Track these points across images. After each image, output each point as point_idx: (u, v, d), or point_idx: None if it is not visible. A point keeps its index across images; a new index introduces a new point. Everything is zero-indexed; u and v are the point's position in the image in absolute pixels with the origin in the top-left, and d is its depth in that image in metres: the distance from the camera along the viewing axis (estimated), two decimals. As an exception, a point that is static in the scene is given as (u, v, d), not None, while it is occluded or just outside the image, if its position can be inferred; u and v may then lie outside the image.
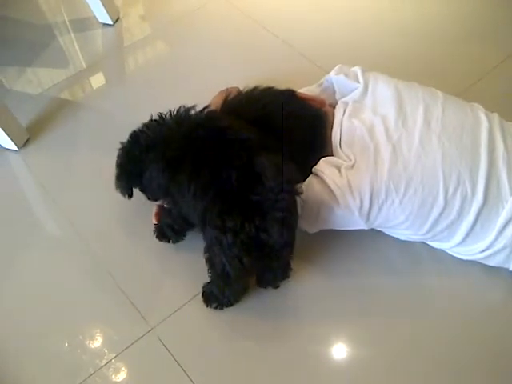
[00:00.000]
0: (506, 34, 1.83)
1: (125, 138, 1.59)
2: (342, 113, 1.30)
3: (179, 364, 1.21)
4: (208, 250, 1.16)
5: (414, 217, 1.19)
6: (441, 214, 1.17)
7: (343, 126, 1.28)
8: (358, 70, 1.37)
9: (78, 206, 1.51)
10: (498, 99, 1.55)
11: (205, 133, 1.13)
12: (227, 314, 1.28)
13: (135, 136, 1.24)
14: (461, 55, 1.78)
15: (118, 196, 1.46)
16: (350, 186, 1.18)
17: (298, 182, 1.10)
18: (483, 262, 1.26)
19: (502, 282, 1.28)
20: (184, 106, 1.21)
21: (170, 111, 1.21)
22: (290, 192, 1.04)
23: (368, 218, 1.21)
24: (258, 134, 1.13)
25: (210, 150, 1.10)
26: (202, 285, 1.30)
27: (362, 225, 1.23)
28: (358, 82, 1.35)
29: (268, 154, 1.06)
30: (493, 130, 1.21)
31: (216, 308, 1.27)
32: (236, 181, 1.05)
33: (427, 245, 1.32)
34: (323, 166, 1.23)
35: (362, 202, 1.18)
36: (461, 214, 1.17)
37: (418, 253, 1.33)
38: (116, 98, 1.77)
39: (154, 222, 1.37)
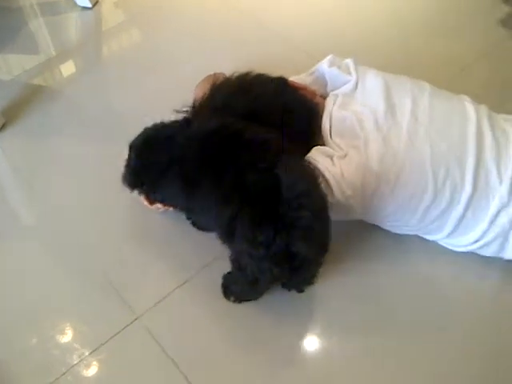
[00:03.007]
0: (485, 27, 1.86)
1: (99, 126, 1.59)
2: (331, 104, 1.30)
3: (167, 354, 1.18)
4: (237, 257, 1.13)
5: (406, 207, 1.20)
6: (431, 203, 1.18)
7: (333, 117, 1.28)
8: (350, 62, 1.37)
9: (54, 192, 1.46)
10: (479, 91, 1.56)
11: (221, 139, 1.09)
12: (219, 302, 1.25)
13: (148, 141, 1.20)
14: (445, 46, 1.80)
15: (95, 180, 1.46)
16: (342, 175, 1.18)
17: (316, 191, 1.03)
18: (478, 252, 1.27)
19: (497, 272, 1.29)
20: (186, 119, 1.19)
21: (174, 122, 1.19)
22: (309, 208, 0.96)
23: (360, 207, 1.21)
24: (276, 134, 1.10)
25: (229, 155, 1.06)
26: (191, 270, 1.29)
27: (353, 214, 1.24)
28: (350, 74, 1.35)
29: (288, 160, 1.02)
30: (480, 120, 1.23)
31: (234, 302, 1.24)
32: (262, 187, 1.00)
33: (422, 238, 1.32)
34: (316, 154, 1.22)
35: (354, 190, 1.18)
36: (451, 204, 1.18)
37: (411, 245, 1.33)
38: (92, 84, 1.73)
39: (149, 206, 1.34)
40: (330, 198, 1.19)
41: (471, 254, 1.29)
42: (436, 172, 1.17)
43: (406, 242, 1.34)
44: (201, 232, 1.36)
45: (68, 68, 1.83)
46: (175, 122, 1.19)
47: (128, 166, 1.23)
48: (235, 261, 1.15)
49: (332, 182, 1.18)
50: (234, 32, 1.86)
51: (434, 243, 1.33)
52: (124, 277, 1.30)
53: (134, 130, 1.24)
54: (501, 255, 1.26)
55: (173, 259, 1.33)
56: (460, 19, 1.86)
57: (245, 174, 1.02)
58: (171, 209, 1.36)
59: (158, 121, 1.23)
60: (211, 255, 1.32)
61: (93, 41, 1.88)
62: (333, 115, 1.28)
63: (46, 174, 1.51)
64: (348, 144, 1.23)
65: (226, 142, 1.08)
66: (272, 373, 1.17)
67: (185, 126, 1.15)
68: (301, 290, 1.25)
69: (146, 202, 1.34)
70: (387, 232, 1.34)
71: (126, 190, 1.30)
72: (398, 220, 1.25)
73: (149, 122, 1.24)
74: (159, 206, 1.33)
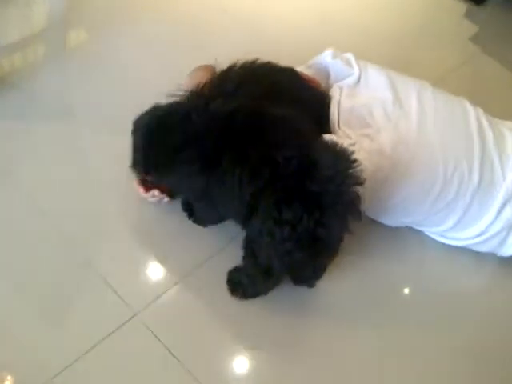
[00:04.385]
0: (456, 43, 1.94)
1: (54, 121, 1.45)
2: (338, 95, 1.30)
3: (168, 349, 1.10)
4: (251, 241, 1.06)
5: (415, 195, 1.20)
6: (440, 192, 1.20)
7: (341, 107, 1.27)
8: (351, 56, 1.38)
9: (40, 183, 1.34)
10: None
11: (245, 116, 1.04)
12: (219, 297, 1.18)
13: (160, 120, 1.11)
14: (416, 61, 1.83)
15: (81, 177, 1.36)
16: None
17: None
18: (475, 248, 1.29)
19: (488, 268, 1.33)
20: (204, 99, 1.11)
21: (183, 101, 1.12)
22: (353, 183, 0.95)
23: (369, 194, 1.15)
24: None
25: (255, 131, 1.01)
26: (189, 266, 1.22)
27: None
28: (351, 67, 1.36)
29: (324, 139, 1.00)
30: (480, 118, 1.28)
31: (241, 298, 1.18)
32: (297, 165, 0.95)
33: (418, 234, 1.34)
34: (327, 141, 1.20)
35: (366, 176, 1.15)
36: (458, 194, 1.20)
37: (407, 242, 1.34)
38: (53, 74, 1.59)
39: (143, 194, 1.26)
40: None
41: (466, 252, 1.31)
42: (446, 163, 1.19)
43: (401, 237, 1.34)
44: (197, 227, 1.29)
45: (31, 55, 1.70)
46: (190, 102, 1.12)
47: (137, 147, 1.13)
48: (248, 247, 1.09)
49: None
50: (211, 30, 1.80)
51: (430, 240, 1.34)
52: (119, 273, 1.20)
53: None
54: (497, 251, 1.28)
55: (170, 255, 1.25)
56: (432, 36, 1.93)
57: (275, 149, 0.97)
58: (166, 199, 1.29)
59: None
60: (210, 251, 1.26)
61: (61, 29, 1.76)
62: (341, 105, 1.28)
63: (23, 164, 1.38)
64: (357, 133, 1.23)
65: (251, 119, 1.04)
66: (278, 369, 1.13)
67: (202, 105, 1.09)
68: (311, 285, 1.20)
69: (140, 190, 1.26)
70: (383, 227, 1.33)
71: (119, 183, 1.24)
72: (406, 208, 1.24)
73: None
74: (155, 193, 1.25)
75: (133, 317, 1.13)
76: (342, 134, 1.23)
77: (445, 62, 1.84)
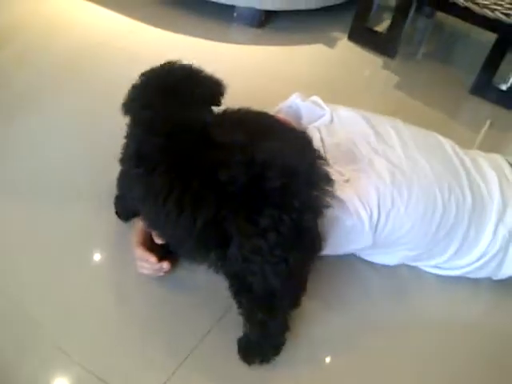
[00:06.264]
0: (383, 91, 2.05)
1: None
2: (318, 134, 1.26)
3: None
4: (237, 276, 0.94)
5: (419, 224, 1.17)
6: (441, 219, 1.17)
7: (326, 145, 1.23)
8: (317, 99, 1.37)
9: None
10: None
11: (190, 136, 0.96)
12: (229, 368, 1.04)
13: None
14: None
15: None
16: (358, 195, 1.12)
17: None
18: (473, 275, 1.28)
19: (484, 292, 1.32)
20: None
21: None
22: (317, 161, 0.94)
23: (376, 229, 1.14)
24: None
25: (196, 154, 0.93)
26: (190, 343, 1.07)
27: (368, 238, 1.15)
28: (322, 108, 1.34)
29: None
30: (453, 147, 1.32)
31: (261, 363, 1.05)
32: (245, 174, 0.87)
33: (412, 270, 1.30)
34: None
35: (371, 210, 1.12)
36: (457, 218, 1.19)
37: (403, 279, 1.30)
38: None
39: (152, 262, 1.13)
40: (346, 221, 1.12)
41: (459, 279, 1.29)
42: (441, 188, 1.19)
43: (395, 272, 1.30)
44: (188, 303, 1.15)
45: None
46: None
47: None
48: (236, 281, 0.96)
49: (348, 203, 1.11)
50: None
51: (424, 272, 1.31)
52: (114, 367, 1.02)
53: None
54: (494, 274, 1.28)
55: (167, 335, 1.09)
56: (361, 85, 2.03)
57: (214, 172, 0.89)
58: (166, 269, 1.14)
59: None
60: (208, 324, 1.12)
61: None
62: (325, 143, 1.23)
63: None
64: (348, 168, 1.19)
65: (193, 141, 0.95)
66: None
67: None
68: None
69: (152, 259, 1.11)
70: (374, 268, 1.29)
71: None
72: (411, 241, 1.20)
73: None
74: (164, 265, 1.13)
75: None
76: (334, 171, 1.16)
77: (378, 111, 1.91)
